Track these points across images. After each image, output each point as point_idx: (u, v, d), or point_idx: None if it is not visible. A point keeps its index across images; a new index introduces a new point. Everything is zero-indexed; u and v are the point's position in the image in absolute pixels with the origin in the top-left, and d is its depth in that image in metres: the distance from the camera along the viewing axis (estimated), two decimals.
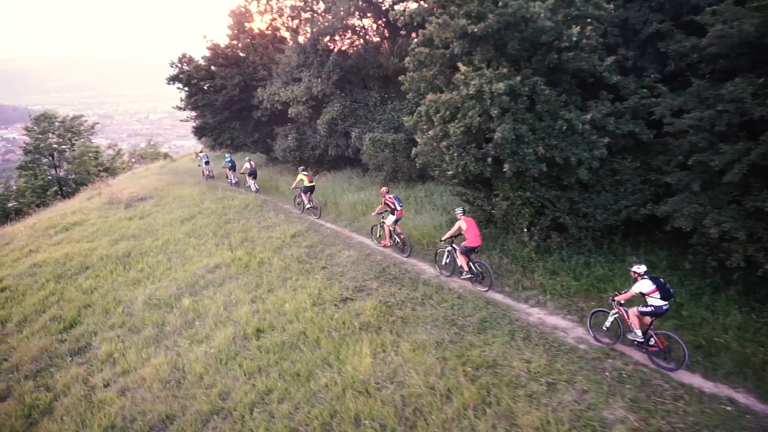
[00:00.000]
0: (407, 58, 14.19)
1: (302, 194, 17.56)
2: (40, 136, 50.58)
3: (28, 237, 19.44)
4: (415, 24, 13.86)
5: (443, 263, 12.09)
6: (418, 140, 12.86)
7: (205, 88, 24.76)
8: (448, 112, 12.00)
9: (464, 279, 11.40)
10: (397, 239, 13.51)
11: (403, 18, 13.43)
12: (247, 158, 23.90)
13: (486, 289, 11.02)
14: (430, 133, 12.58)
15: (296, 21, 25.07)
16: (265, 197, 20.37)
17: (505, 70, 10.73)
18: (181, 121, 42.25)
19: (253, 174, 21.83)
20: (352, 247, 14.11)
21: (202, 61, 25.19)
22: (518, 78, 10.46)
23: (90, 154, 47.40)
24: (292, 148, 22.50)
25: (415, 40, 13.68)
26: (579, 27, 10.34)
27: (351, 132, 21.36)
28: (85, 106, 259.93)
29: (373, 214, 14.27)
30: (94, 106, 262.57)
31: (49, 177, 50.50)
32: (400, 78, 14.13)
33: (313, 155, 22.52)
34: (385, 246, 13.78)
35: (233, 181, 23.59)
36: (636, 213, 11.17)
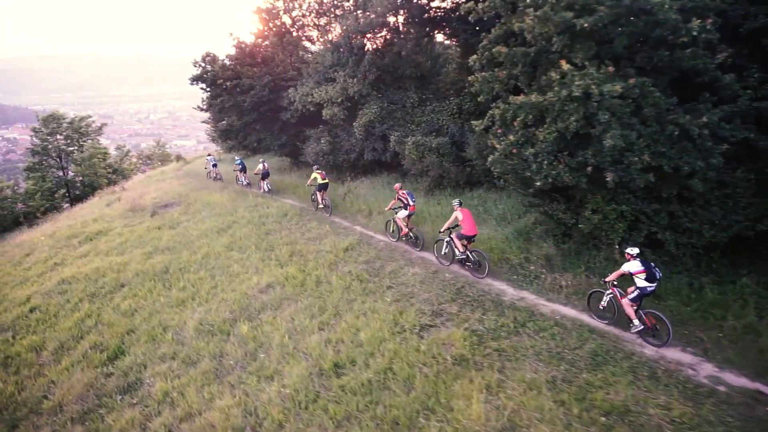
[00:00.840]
0: (472, 57, 12.94)
1: (317, 192, 17.71)
2: (48, 137, 49.14)
3: (50, 248, 18.05)
4: (485, 19, 12.52)
5: (443, 252, 12.56)
6: (496, 146, 11.53)
7: (230, 88, 23.34)
8: (530, 116, 10.76)
9: (458, 262, 12.09)
10: (409, 234, 13.77)
11: (475, 13, 12.13)
12: (260, 160, 23.52)
13: (482, 276, 11.57)
14: (511, 138, 11.28)
15: (324, 18, 23.76)
16: (301, 205, 19.02)
17: (611, 69, 9.44)
18: (202, 122, 40.91)
19: (265, 175, 21.64)
20: (413, 263, 12.80)
21: (226, 60, 23.79)
22: (631, 80, 9.15)
23: (98, 156, 45.89)
24: (325, 152, 21.14)
25: (488, 36, 12.42)
26: (699, 20, 9.04)
27: (390, 135, 20.05)
28: (85, 106, 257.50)
29: (386, 209, 14.64)
30: (94, 106, 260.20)
31: (56, 179, 49.10)
32: (470, 78, 12.78)
33: (347, 159, 21.17)
34: (403, 235, 13.90)
35: (244, 183, 23.53)
36: (749, 229, 9.93)
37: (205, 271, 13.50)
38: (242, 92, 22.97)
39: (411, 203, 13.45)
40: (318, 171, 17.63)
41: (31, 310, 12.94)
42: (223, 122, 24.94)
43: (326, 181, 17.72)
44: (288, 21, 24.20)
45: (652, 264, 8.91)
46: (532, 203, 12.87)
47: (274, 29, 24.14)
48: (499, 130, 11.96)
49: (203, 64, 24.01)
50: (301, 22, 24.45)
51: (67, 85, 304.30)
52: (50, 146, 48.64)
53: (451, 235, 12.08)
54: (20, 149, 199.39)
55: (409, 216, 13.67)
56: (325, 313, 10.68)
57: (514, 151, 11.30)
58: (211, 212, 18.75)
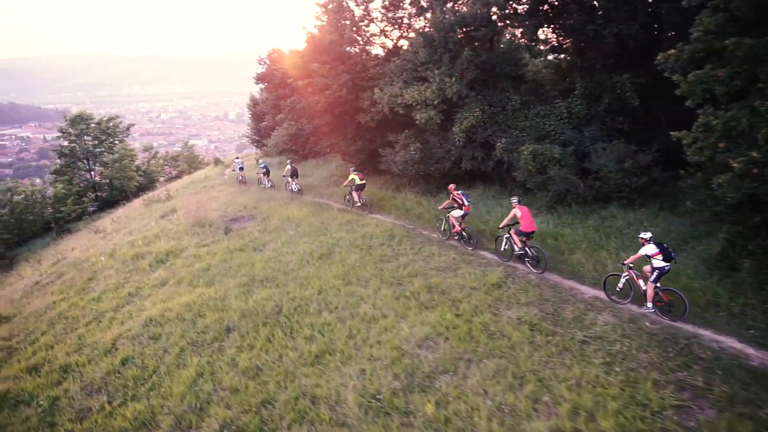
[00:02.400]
0: (671, 51, 10.23)
1: (353, 192, 18.09)
2: (76, 138, 46.61)
3: (116, 272, 15.42)
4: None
5: (502, 249, 12.73)
6: (733, 164, 8.83)
7: (301, 88, 20.66)
8: None
9: (519, 258, 12.13)
10: (463, 234, 13.82)
11: None
12: (288, 161, 24.66)
13: (541, 271, 11.65)
14: (754, 155, 8.59)
15: (401, 11, 21.05)
16: (400, 222, 16.35)
17: None
18: (247, 125, 38.30)
19: (294, 174, 22.37)
20: (591, 305, 10.13)
21: (295, 57, 21.09)
22: None
23: (128, 158, 43.30)
24: (415, 161, 18.44)
25: (702, 25, 9.72)
26: None
27: (494, 142, 17.38)
28: (97, 105, 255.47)
29: (439, 208, 14.72)
30: (106, 105, 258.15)
31: (84, 182, 46.62)
32: (675, 78, 10.08)
33: (441, 169, 18.47)
34: (455, 232, 13.99)
35: (268, 185, 24.42)
36: None
37: (329, 314, 10.81)
38: (315, 92, 20.28)
39: (466, 203, 13.61)
40: (355, 172, 18.05)
41: (123, 363, 10.25)
42: (290, 125, 22.13)
43: (364, 182, 18.06)
44: (359, 13, 21.48)
45: (665, 245, 9.56)
46: (734, 232, 10.24)
47: (342, 23, 21.42)
48: (720, 144, 9.28)
49: (267, 62, 21.35)
50: (371, 16, 21.74)
51: (79, 84, 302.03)
52: (78, 148, 46.20)
53: (510, 232, 12.24)
54: (33, 148, 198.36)
55: (463, 216, 13.81)
56: (527, 384, 8.00)
57: (755, 171, 8.64)
58: (297, 230, 16.07)
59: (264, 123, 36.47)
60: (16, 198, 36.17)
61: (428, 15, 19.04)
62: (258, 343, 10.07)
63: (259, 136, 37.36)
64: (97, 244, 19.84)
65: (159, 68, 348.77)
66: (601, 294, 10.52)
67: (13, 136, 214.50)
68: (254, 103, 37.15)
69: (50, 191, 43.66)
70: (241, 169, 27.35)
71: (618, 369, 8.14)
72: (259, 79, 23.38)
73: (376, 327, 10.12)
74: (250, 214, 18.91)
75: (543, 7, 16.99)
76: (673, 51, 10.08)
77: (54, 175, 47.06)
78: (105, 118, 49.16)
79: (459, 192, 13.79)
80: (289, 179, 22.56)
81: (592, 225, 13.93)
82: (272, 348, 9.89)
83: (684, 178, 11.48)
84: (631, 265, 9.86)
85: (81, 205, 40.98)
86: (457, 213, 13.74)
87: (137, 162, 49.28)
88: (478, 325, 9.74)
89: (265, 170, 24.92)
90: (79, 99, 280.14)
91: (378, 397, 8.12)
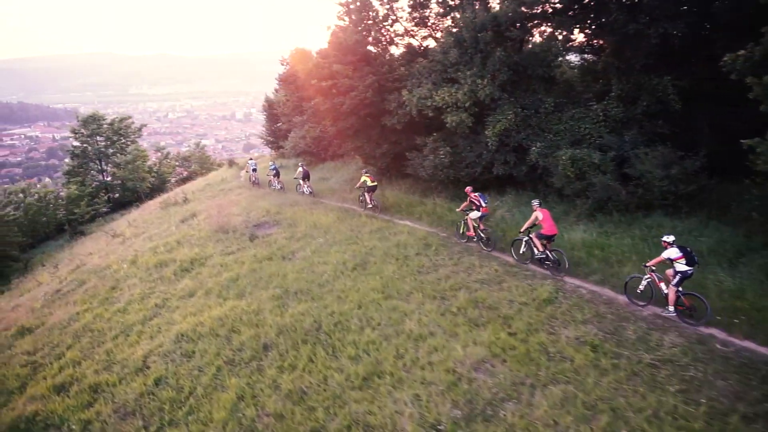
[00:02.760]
0: (740, 52, 9.54)
1: (366, 193, 18.22)
2: (88, 139, 46.23)
3: (140, 280, 14.85)
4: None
5: (521, 252, 12.71)
6: None
7: (326, 89, 20.04)
8: None
9: (539, 261, 12.06)
10: (482, 235, 13.86)
11: None
12: (300, 163, 24.84)
13: (561, 275, 11.59)
14: None
15: (427, 9, 20.39)
16: (433, 230, 15.71)
17: None
18: (262, 126, 37.51)
19: (306, 177, 22.41)
20: (653, 324, 9.46)
21: (319, 58, 20.47)
22: None
23: (141, 159, 42.80)
24: (444, 165, 17.78)
25: None
26: None
27: (529, 146, 16.71)
28: (105, 104, 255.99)
29: (458, 210, 14.81)
30: (114, 105, 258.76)
31: (96, 183, 46.25)
32: (748, 81, 9.38)
33: (471, 173, 17.80)
34: (469, 236, 14.18)
35: (278, 187, 24.48)
36: None
37: (371, 331, 10.18)
38: (339, 93, 19.65)
39: (483, 205, 13.73)
40: (367, 174, 18.27)
41: (156, 383, 9.65)
42: (311, 128, 21.50)
43: (375, 183, 18.31)
44: (383, 12, 20.82)
45: (689, 249, 9.45)
46: None
47: (366, 23, 20.77)
48: None
49: (289, 63, 20.72)
50: (395, 16, 21.09)
51: (87, 84, 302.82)
52: (90, 149, 45.82)
53: (530, 235, 12.23)
54: (42, 147, 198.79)
55: (481, 218, 13.88)
56: (600, 415, 7.33)
57: None
58: (327, 238, 15.45)
59: (279, 124, 35.93)
60: (29, 199, 35.72)
61: (456, 14, 18.35)
62: (300, 363, 9.45)
63: (274, 137, 36.79)
64: (117, 249, 19.29)
65: (166, 68, 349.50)
66: (658, 309, 9.86)
67: (23, 136, 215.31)
68: (269, 104, 36.54)
69: (62, 192, 43.30)
70: (254, 170, 27.40)
71: (698, 398, 7.47)
72: (282, 80, 22.84)
73: (425, 346, 9.48)
74: (273, 219, 18.31)
75: (582, 4, 16.28)
76: (742, 51, 9.38)
77: (66, 176, 46.76)
78: (117, 119, 48.77)
79: (476, 194, 13.91)
80: (301, 181, 22.59)
81: (639, 235, 13.24)
82: (315, 369, 9.27)
83: (746, 186, 10.79)
84: (653, 267, 9.84)
85: (94, 206, 40.55)
86: (475, 214, 13.84)
87: (149, 162, 48.92)
88: (535, 345, 9.09)
89: (275, 172, 24.96)
90: (87, 98, 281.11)
91: (439, 428, 7.48)
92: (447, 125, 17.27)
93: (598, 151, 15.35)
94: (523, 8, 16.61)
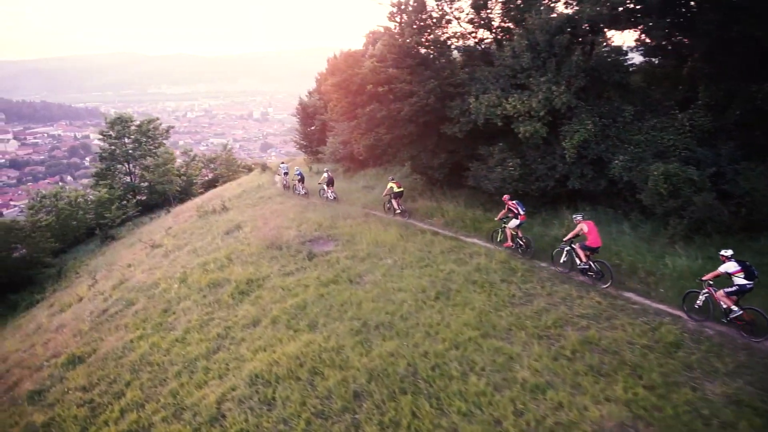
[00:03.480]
0: None
1: (392, 199, 18.61)
2: (116, 140, 45.51)
3: (193, 303, 13.65)
4: None
5: (561, 261, 12.72)
6: None
7: (381, 95, 18.70)
8: None
9: (581, 272, 11.99)
10: (520, 242, 13.85)
11: None
12: (325, 169, 25.17)
13: (607, 285, 11.40)
14: None
15: (492, 10, 18.93)
16: (503, 249, 14.30)
17: None
18: (296, 129, 36.20)
19: (330, 183, 22.64)
20: None
21: (374, 62, 19.12)
22: None
23: (171, 162, 41.84)
24: (513, 178, 16.33)
25: None
26: None
27: (608, 159, 15.22)
28: (125, 104, 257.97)
29: (496, 218, 14.80)
30: (134, 104, 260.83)
31: (124, 185, 45.54)
32: None
33: (542, 187, 16.33)
34: (507, 247, 14.14)
35: (302, 192, 24.85)
36: None
37: (477, 378, 8.79)
38: (396, 99, 18.30)
39: (522, 212, 13.73)
40: (393, 181, 18.69)
41: None
42: (366, 136, 20.13)
43: (402, 189, 18.70)
44: (438, 12, 19.40)
45: (748, 263, 9.31)
46: None
47: (420, 24, 19.35)
48: None
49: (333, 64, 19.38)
50: (454, 16, 19.66)
51: (107, 83, 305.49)
52: (118, 151, 45.09)
53: (573, 246, 12.24)
54: (64, 146, 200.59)
55: (519, 225, 13.87)
56: None
57: None
58: (395, 259, 14.09)
59: (314, 127, 34.67)
60: (60, 204, 34.96)
61: (526, 15, 16.87)
62: (403, 420, 8.09)
63: (308, 141, 35.54)
64: (161, 264, 18.14)
65: (184, 67, 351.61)
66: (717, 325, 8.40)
67: (46, 134, 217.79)
68: (303, 107, 35.30)
69: (91, 195, 42.55)
70: (286, 174, 27.77)
71: None
72: (321, 84, 21.59)
73: (546, 401, 8.08)
74: (328, 234, 17.01)
75: (673, 4, 14.73)
76: None
77: (95, 178, 46.08)
78: (145, 121, 48.04)
79: (514, 202, 13.99)
80: (325, 187, 22.88)
81: (753, 262, 11.66)
82: (423, 427, 7.92)
83: None
84: (711, 282, 9.74)
85: (124, 209, 39.76)
86: (513, 223, 13.89)
87: (176, 163, 48.14)
88: (682, 405, 7.64)
89: (300, 177, 25.21)
90: (107, 98, 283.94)
91: None
92: (519, 135, 15.83)
93: (689, 164, 13.82)
94: (604, 8, 15.11)
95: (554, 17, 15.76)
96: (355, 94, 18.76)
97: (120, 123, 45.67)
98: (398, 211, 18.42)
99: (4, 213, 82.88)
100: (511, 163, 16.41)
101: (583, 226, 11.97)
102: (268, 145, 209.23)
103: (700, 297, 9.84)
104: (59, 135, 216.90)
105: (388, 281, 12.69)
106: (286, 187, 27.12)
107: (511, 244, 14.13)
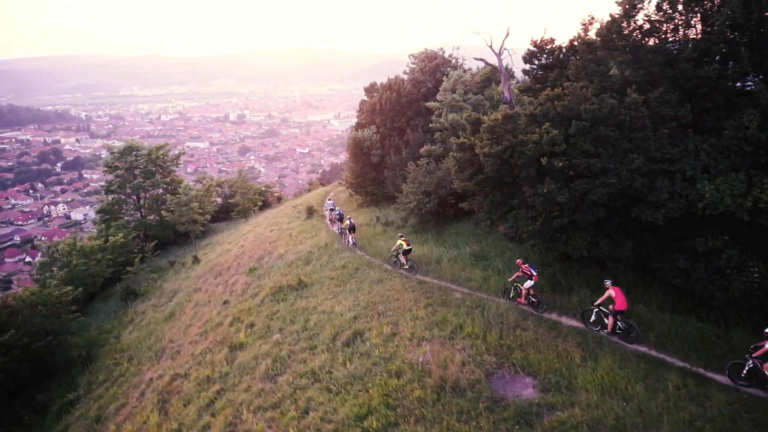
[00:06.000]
0: None
1: (400, 255, 19.02)
2: (125, 173, 39.36)
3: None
4: None
5: (591, 320, 13.32)
6: None
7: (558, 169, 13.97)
8: None
9: (607, 334, 12.72)
10: (533, 300, 14.66)
11: None
12: (348, 216, 25.05)
13: (632, 343, 12.20)
14: None
15: None
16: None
17: None
18: (348, 169, 30.58)
19: (352, 229, 23.07)
20: None
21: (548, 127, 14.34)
22: None
23: (194, 201, 35.96)
24: (761, 289, 12.02)
25: None
26: None
27: None
28: (96, 106, 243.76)
29: (509, 279, 15.40)
30: (105, 106, 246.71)
31: (134, 221, 39.50)
32: None
33: None
34: (519, 303, 14.93)
35: (338, 231, 25.02)
36: None
37: None
38: (578, 176, 13.72)
39: (534, 274, 14.46)
40: (402, 239, 19.18)
41: None
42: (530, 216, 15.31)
43: (410, 247, 19.17)
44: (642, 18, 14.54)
45: None
46: None
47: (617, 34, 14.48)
48: None
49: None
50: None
51: (77, 85, 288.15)
52: (128, 185, 39.01)
53: (600, 308, 12.96)
54: (34, 151, 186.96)
55: (533, 285, 14.59)
56: None
57: None
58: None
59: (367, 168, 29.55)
60: (75, 260, 28.86)
61: None
62: None
63: (361, 179, 30.32)
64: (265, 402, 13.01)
65: (157, 69, 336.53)
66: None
67: (13, 139, 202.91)
68: (356, 142, 29.73)
69: (91, 240, 36.35)
70: (332, 210, 27.55)
71: None
72: (490, 155, 16.20)
73: None
74: (510, 361, 12.28)
75: None
76: None
77: (100, 214, 39.88)
78: (154, 148, 42.00)
79: (526, 265, 14.67)
80: (347, 232, 23.21)
81: None
82: None
83: None
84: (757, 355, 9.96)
85: (142, 255, 33.90)
86: (529, 283, 14.58)
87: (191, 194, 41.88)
88: None
89: (339, 216, 25.40)
90: (78, 100, 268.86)
91: None
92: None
93: None
94: None
95: None
96: (512, 167, 14.05)
97: (129, 152, 39.60)
98: (406, 266, 18.96)
99: None
100: (755, 270, 12.07)
101: (612, 292, 12.75)
102: (246, 149, 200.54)
103: (745, 367, 10.42)
104: (28, 140, 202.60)
105: None
106: (333, 222, 26.95)
107: (523, 300, 14.84)
